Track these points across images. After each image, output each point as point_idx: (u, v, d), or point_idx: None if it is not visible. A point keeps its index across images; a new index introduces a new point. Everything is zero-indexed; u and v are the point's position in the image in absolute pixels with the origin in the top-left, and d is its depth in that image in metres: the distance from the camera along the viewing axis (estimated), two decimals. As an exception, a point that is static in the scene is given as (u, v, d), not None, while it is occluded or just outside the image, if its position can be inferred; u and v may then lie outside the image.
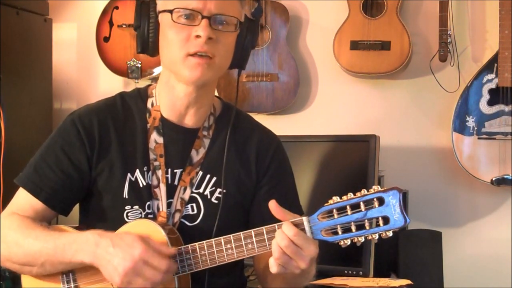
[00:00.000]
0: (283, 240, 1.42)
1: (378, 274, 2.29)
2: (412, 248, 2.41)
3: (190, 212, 1.64)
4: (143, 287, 1.47)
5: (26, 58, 2.99)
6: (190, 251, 1.52)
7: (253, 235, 1.48)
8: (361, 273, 2.26)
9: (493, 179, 2.65)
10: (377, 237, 1.41)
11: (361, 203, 1.41)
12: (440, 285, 2.40)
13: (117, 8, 3.11)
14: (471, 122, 2.68)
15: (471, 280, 2.77)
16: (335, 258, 2.31)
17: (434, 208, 2.86)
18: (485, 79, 2.69)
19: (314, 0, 3.06)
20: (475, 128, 2.68)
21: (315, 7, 3.07)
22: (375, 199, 1.41)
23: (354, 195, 1.42)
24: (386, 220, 1.40)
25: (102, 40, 3.12)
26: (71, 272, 1.59)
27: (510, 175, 2.63)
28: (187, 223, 1.63)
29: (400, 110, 2.95)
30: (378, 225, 1.41)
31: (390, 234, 1.41)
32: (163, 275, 1.48)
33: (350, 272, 2.27)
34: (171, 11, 1.56)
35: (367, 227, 1.41)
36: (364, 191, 1.42)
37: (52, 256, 1.54)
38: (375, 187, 1.42)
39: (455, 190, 2.86)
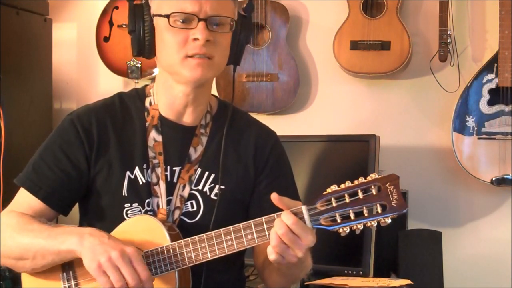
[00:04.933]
0: (281, 228, 1.43)
1: (378, 274, 2.29)
2: (412, 248, 2.41)
3: (190, 209, 1.65)
4: (116, 281, 1.44)
5: (26, 58, 2.99)
6: (190, 244, 1.52)
7: (253, 226, 1.49)
8: (361, 273, 2.26)
9: (493, 179, 2.65)
10: (376, 224, 1.42)
11: (359, 190, 1.42)
12: (440, 285, 2.40)
13: (117, 8, 3.11)
14: (471, 122, 2.68)
15: (471, 280, 2.77)
16: (335, 258, 2.32)
17: (434, 208, 2.86)
18: (485, 79, 2.69)
19: (314, 0, 3.06)
20: (475, 128, 2.68)
21: (315, 7, 3.07)
22: (372, 187, 1.42)
23: (352, 183, 1.43)
24: (384, 207, 1.41)
25: (102, 40, 3.13)
26: (71, 270, 1.59)
27: (510, 175, 2.62)
28: (187, 220, 1.64)
29: (400, 110, 2.95)
30: (376, 213, 1.41)
31: (388, 221, 1.42)
32: (139, 280, 1.45)
33: (350, 272, 2.28)
34: (167, 16, 1.57)
35: (366, 215, 1.42)
36: (362, 179, 1.43)
37: (42, 247, 1.54)
38: (373, 175, 1.43)
39: (455, 190, 2.86)
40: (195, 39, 1.56)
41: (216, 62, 1.61)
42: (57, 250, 1.53)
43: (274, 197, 1.46)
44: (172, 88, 1.66)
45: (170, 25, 1.57)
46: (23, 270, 1.61)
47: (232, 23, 1.61)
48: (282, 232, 1.43)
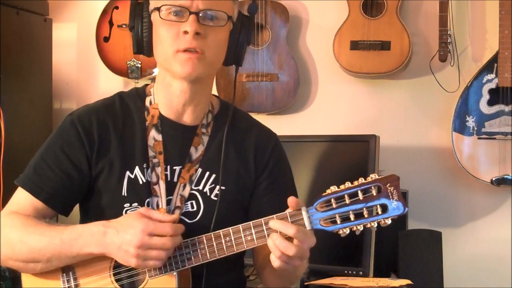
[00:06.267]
0: (282, 242, 1.44)
1: (378, 274, 2.29)
2: (412, 248, 2.41)
3: (190, 209, 1.64)
4: (159, 257, 1.50)
5: (26, 58, 2.99)
6: (190, 245, 1.53)
7: (252, 227, 1.49)
8: (361, 273, 2.26)
9: (493, 179, 2.65)
10: (376, 225, 1.42)
11: (359, 191, 1.42)
12: (440, 285, 2.40)
13: (117, 8, 3.11)
14: (471, 122, 2.68)
15: (471, 280, 2.77)
16: (335, 258, 2.32)
17: (434, 208, 2.86)
18: (485, 79, 2.69)
19: (314, 0, 3.06)
20: (475, 128, 2.68)
21: (315, 7, 3.07)
22: (373, 188, 1.42)
23: (352, 184, 1.43)
24: (384, 208, 1.41)
25: (102, 40, 3.13)
26: (71, 270, 1.59)
27: (510, 175, 2.62)
28: (187, 220, 1.64)
29: (400, 110, 2.95)
30: (376, 213, 1.41)
31: (388, 222, 1.42)
32: (172, 240, 1.50)
33: (350, 272, 2.27)
34: (158, 8, 1.58)
35: (366, 216, 1.42)
36: (361, 180, 1.43)
37: (58, 251, 1.55)
38: (373, 176, 1.43)
39: (455, 190, 2.86)
40: (185, 32, 1.56)
41: (208, 57, 1.59)
42: (76, 254, 1.55)
43: (291, 200, 1.47)
44: (170, 86, 1.66)
45: (162, 18, 1.58)
46: (33, 272, 1.61)
47: (227, 18, 1.60)
48: (283, 246, 1.44)
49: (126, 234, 1.49)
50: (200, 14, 1.56)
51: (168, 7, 1.58)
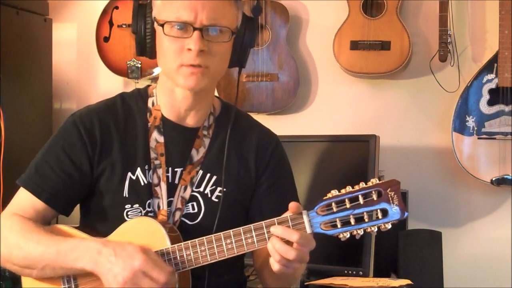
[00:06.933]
0: (283, 247, 1.44)
1: (378, 274, 2.29)
2: (412, 248, 2.41)
3: (191, 211, 1.64)
4: None
5: (26, 58, 2.99)
6: (190, 247, 1.53)
7: (253, 230, 1.49)
8: (361, 273, 2.26)
9: (493, 179, 2.65)
10: (376, 229, 1.43)
11: (360, 196, 1.43)
12: (440, 285, 2.40)
13: (117, 8, 3.11)
14: (471, 122, 2.68)
15: (471, 280, 2.77)
16: (335, 258, 2.32)
17: (434, 208, 2.86)
18: (485, 79, 2.69)
19: (314, 0, 3.06)
20: (475, 128, 2.68)
21: (315, 7, 3.07)
22: (373, 192, 1.42)
23: (353, 188, 1.44)
24: (384, 212, 1.42)
25: (102, 40, 3.13)
26: None
27: (510, 175, 2.63)
28: (187, 221, 1.64)
29: (400, 110, 2.95)
30: (377, 218, 1.42)
31: (389, 226, 1.43)
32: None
33: (350, 272, 2.27)
34: (162, 25, 1.57)
35: (366, 220, 1.43)
36: (362, 184, 1.44)
37: (53, 262, 1.55)
38: (374, 180, 1.43)
39: (455, 190, 2.86)
40: (189, 49, 1.55)
41: (212, 71, 1.59)
42: (70, 267, 1.55)
43: (292, 206, 1.47)
44: (173, 91, 1.67)
45: (165, 34, 1.57)
46: (30, 276, 1.61)
47: (231, 34, 1.59)
48: (283, 250, 1.44)
49: (122, 262, 1.48)
50: (204, 30, 1.55)
51: (172, 23, 1.56)
